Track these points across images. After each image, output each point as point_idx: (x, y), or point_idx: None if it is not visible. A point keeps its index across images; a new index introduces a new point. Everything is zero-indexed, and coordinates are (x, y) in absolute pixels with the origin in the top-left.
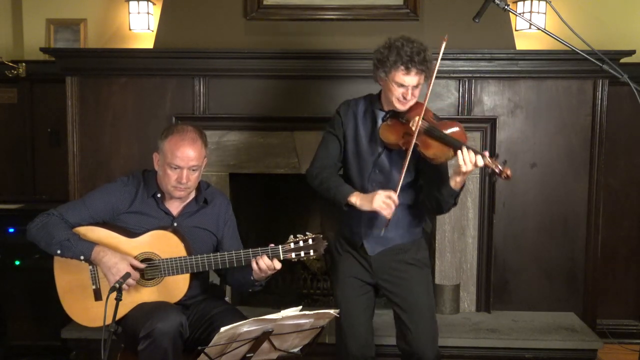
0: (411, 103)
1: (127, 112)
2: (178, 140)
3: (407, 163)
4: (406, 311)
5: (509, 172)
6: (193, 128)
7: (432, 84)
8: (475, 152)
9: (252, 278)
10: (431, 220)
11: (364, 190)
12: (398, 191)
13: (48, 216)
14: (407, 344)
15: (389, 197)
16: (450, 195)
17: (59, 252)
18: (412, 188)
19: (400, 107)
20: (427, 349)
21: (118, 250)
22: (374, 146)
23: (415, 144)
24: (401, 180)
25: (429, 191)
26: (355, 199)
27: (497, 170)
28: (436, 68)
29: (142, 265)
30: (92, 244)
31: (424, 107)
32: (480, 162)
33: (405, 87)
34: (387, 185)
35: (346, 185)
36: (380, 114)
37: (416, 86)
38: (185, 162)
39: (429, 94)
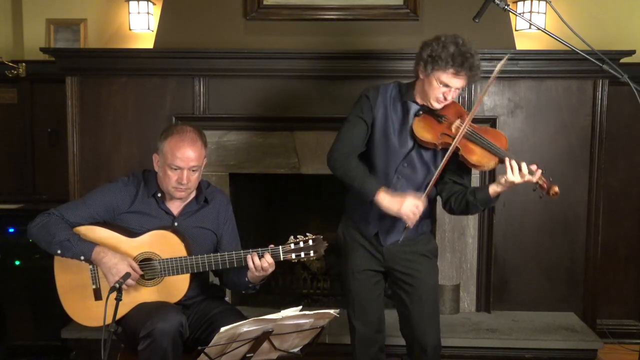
0: (447, 103)
1: (127, 112)
2: (178, 141)
3: (443, 166)
4: (414, 300)
5: (556, 189)
6: (192, 128)
7: (485, 95)
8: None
9: (246, 279)
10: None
11: (388, 179)
12: (425, 195)
13: (48, 216)
14: (411, 331)
15: (417, 207)
16: (484, 202)
17: (59, 252)
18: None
19: (436, 106)
20: (431, 337)
21: (118, 250)
22: (404, 139)
23: (457, 147)
24: (432, 183)
25: (459, 193)
26: (382, 198)
27: (545, 186)
28: (491, 83)
29: (141, 272)
30: (92, 244)
31: (471, 114)
32: (530, 177)
33: (449, 88)
34: (413, 178)
35: (372, 179)
36: (414, 107)
37: (458, 88)
38: (185, 162)
39: (480, 104)
